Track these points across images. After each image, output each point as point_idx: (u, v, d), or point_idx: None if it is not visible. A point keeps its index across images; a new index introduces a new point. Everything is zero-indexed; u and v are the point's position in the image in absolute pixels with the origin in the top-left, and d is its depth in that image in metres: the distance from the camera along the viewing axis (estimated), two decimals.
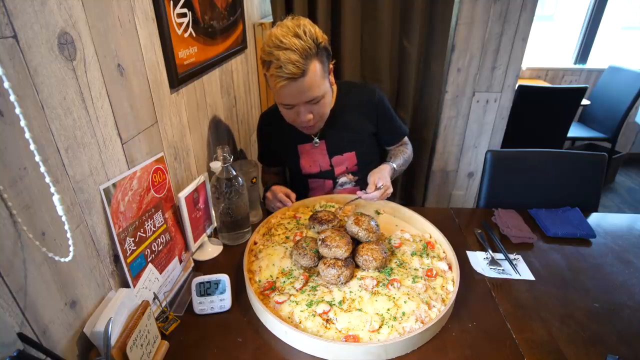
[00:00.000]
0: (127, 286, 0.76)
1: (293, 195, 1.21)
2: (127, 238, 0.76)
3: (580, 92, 2.61)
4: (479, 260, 1.03)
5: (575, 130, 3.09)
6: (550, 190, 1.37)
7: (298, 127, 1.18)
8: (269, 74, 1.02)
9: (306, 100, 1.06)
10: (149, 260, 0.82)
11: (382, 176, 1.15)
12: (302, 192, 1.34)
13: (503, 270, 0.99)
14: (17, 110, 0.48)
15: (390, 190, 1.14)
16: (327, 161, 1.30)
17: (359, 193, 1.13)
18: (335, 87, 1.23)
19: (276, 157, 1.41)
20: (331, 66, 1.13)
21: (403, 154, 1.33)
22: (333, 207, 1.19)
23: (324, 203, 1.22)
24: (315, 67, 1.02)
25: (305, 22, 1.03)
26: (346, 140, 1.28)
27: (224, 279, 0.87)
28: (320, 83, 1.05)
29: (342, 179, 1.32)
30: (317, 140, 1.27)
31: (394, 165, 1.24)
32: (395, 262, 0.95)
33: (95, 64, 0.68)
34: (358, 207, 1.22)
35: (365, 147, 1.30)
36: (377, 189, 1.11)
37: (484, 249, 1.07)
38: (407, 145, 1.40)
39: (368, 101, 1.27)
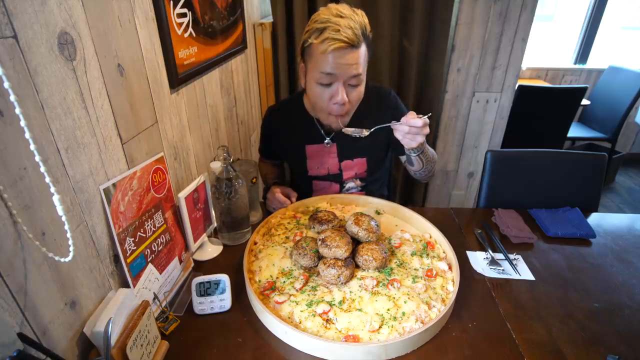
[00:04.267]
0: (127, 286, 0.76)
1: (294, 195, 1.21)
2: (127, 238, 0.76)
3: (580, 92, 2.61)
4: (479, 260, 1.03)
5: (575, 130, 3.09)
6: (550, 190, 1.37)
7: (327, 113, 1.11)
8: (319, 40, 0.99)
9: (351, 75, 1.02)
10: (149, 260, 0.82)
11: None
12: (306, 193, 1.30)
13: (503, 270, 0.99)
14: (17, 110, 0.48)
15: (427, 130, 0.97)
16: (336, 164, 1.27)
17: (393, 122, 0.98)
18: None
19: (278, 153, 1.38)
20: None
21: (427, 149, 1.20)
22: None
23: (325, 204, 1.21)
24: (364, 49, 1.02)
25: (359, 11, 1.04)
26: (359, 146, 1.24)
27: (224, 279, 0.87)
28: (364, 66, 1.05)
29: (349, 184, 1.30)
30: (330, 141, 1.23)
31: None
32: (395, 262, 0.95)
33: (95, 64, 0.68)
34: (358, 206, 1.22)
35: (376, 154, 1.28)
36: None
37: (484, 249, 1.07)
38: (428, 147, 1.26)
39: (384, 107, 1.23)
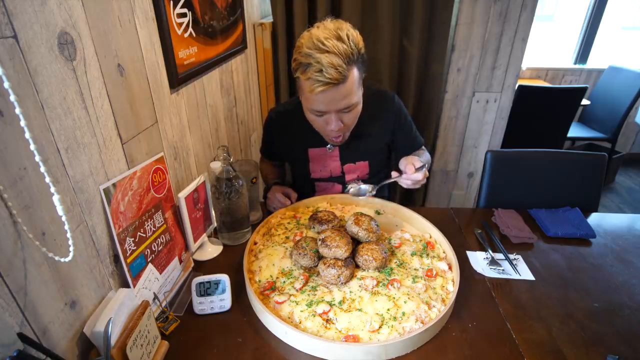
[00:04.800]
0: (127, 286, 0.76)
1: (294, 195, 1.21)
2: (127, 238, 0.76)
3: (580, 92, 2.61)
4: (479, 260, 1.03)
5: (575, 130, 3.09)
6: (550, 190, 1.37)
7: (325, 136, 1.14)
8: (304, 77, 0.96)
9: (340, 108, 1.01)
10: (149, 260, 0.82)
11: (416, 160, 1.03)
12: (308, 194, 1.29)
13: (503, 270, 0.99)
14: (17, 110, 0.48)
15: (427, 174, 1.04)
16: (338, 168, 1.27)
17: (394, 174, 1.04)
18: None
19: (279, 155, 1.38)
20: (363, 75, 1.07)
21: (420, 156, 1.24)
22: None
23: (325, 204, 1.21)
24: (354, 74, 0.97)
25: (348, 26, 0.97)
26: (361, 150, 1.24)
27: (224, 279, 0.87)
28: (357, 91, 1.01)
29: (352, 185, 1.30)
30: (331, 146, 1.23)
31: (420, 159, 1.09)
32: (395, 262, 0.95)
33: (95, 64, 0.68)
34: (358, 206, 1.22)
35: (378, 158, 1.28)
36: (416, 170, 1.00)
37: (484, 249, 1.07)
38: (424, 152, 1.33)
39: (386, 111, 1.23)
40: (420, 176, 0.99)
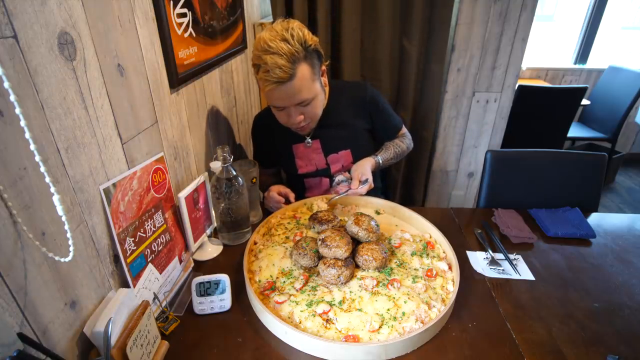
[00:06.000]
0: (127, 286, 0.76)
1: (292, 195, 1.22)
2: (127, 238, 0.76)
3: (580, 92, 2.61)
4: (479, 260, 1.03)
5: (575, 130, 3.08)
6: (550, 190, 1.37)
7: (290, 127, 1.19)
8: (258, 77, 1.04)
9: (296, 103, 1.08)
10: (149, 260, 0.82)
11: (364, 171, 1.20)
12: (299, 192, 1.34)
13: (503, 270, 0.99)
14: (17, 110, 0.48)
15: (372, 184, 1.20)
16: (322, 160, 1.31)
17: (344, 187, 1.20)
18: (327, 87, 1.24)
19: (271, 158, 1.41)
20: (324, 67, 1.14)
21: (395, 147, 1.34)
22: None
23: (325, 205, 1.21)
24: (304, 71, 1.03)
25: (294, 26, 1.03)
26: (341, 139, 1.29)
27: (224, 279, 0.87)
28: (310, 86, 1.07)
29: (338, 177, 1.33)
30: (310, 140, 1.28)
31: (379, 159, 1.27)
32: (395, 262, 0.95)
33: (95, 64, 0.68)
34: (358, 207, 1.22)
35: (359, 144, 1.31)
36: (361, 183, 1.17)
37: (484, 249, 1.07)
38: (404, 137, 1.41)
39: (360, 98, 1.28)
40: (363, 191, 1.17)
